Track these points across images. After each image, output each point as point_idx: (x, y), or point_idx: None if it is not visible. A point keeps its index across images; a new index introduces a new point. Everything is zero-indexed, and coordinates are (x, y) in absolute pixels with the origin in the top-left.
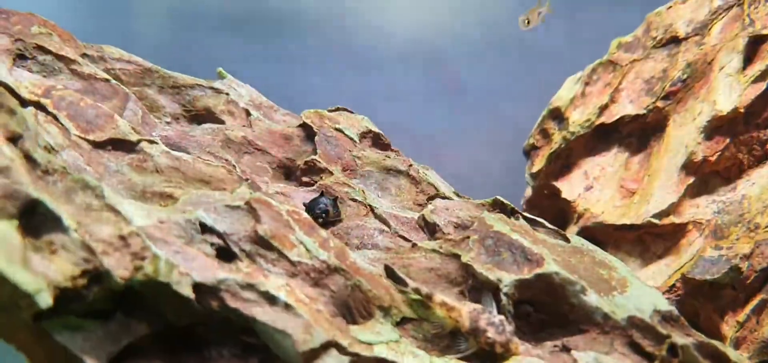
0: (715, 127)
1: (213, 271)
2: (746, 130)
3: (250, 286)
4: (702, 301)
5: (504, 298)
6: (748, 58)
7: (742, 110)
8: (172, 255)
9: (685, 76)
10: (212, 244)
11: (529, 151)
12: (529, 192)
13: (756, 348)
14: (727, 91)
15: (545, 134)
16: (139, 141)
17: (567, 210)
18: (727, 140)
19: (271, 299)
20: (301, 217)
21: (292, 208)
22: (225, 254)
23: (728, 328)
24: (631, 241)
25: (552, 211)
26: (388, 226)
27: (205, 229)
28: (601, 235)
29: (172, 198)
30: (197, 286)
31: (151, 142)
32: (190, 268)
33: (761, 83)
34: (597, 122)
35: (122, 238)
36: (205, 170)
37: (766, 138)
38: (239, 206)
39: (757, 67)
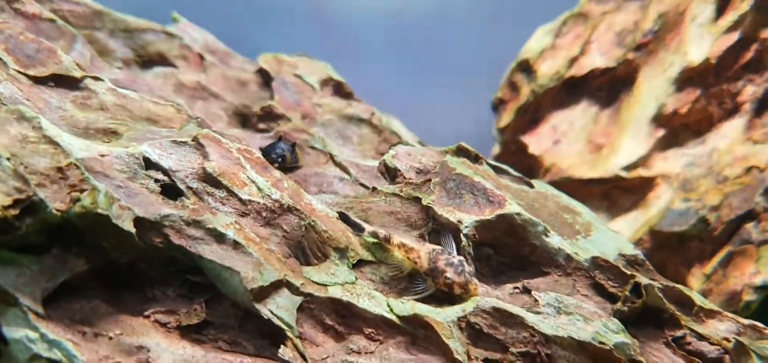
0: (686, 79)
1: (156, 207)
2: (717, 82)
3: (196, 223)
4: (669, 254)
5: (464, 240)
6: (720, 9)
7: (713, 61)
8: (113, 189)
9: (656, 27)
10: (157, 181)
11: (497, 106)
12: (496, 149)
13: (723, 300)
14: (699, 42)
15: (513, 87)
16: (83, 77)
17: (534, 166)
18: (698, 92)
19: (218, 237)
20: (253, 156)
21: (244, 146)
22: (171, 191)
23: (695, 280)
24: (599, 195)
25: (520, 167)
26: (349, 173)
27: (149, 164)
28: (568, 189)
29: (116, 134)
30: (139, 221)
31: (97, 79)
32: (132, 202)
33: (733, 33)
34: (566, 75)
35: (60, 170)
36: (152, 109)
37: (736, 90)
38: (186, 142)
39: (729, 18)
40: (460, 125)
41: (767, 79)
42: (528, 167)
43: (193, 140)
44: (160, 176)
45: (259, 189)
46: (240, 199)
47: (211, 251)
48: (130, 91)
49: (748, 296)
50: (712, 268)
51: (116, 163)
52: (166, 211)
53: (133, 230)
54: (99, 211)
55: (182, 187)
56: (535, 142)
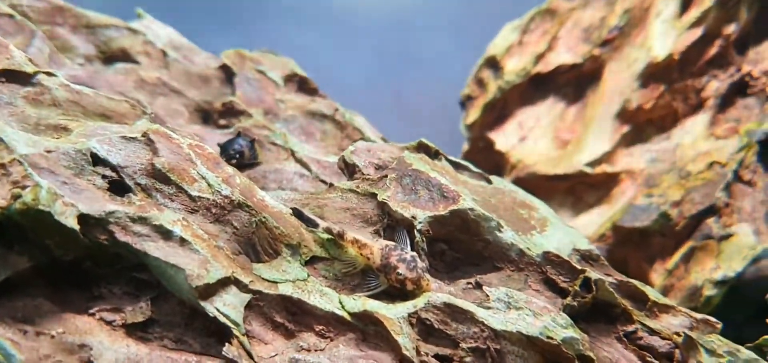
0: (651, 74)
1: (102, 203)
2: (681, 78)
3: (142, 220)
4: (631, 249)
5: (418, 236)
6: (685, 5)
7: (677, 57)
8: (57, 185)
9: (622, 23)
10: (104, 177)
11: (465, 102)
12: (465, 146)
13: (684, 296)
14: (663, 37)
15: (481, 84)
16: (35, 73)
17: (501, 162)
18: (662, 88)
19: (165, 234)
20: (205, 152)
21: (196, 142)
22: (118, 187)
23: (657, 276)
24: (564, 191)
25: (488, 164)
26: (309, 169)
27: (97, 160)
28: (534, 186)
29: (66, 130)
30: (83, 218)
31: (50, 74)
32: (76, 199)
33: (697, 29)
34: (533, 71)
35: (2, 166)
36: (107, 105)
37: (700, 86)
38: (136, 138)
39: (693, 13)
40: (433, 124)
41: (731, 75)
42: (495, 164)
43: (142, 136)
44: (107, 172)
45: (210, 185)
46: (189, 196)
47: (156, 248)
48: (85, 87)
49: (709, 291)
50: (673, 264)
51: (63, 159)
52: (112, 207)
53: (76, 227)
54: (40, 207)
55: (130, 183)
56: (502, 139)
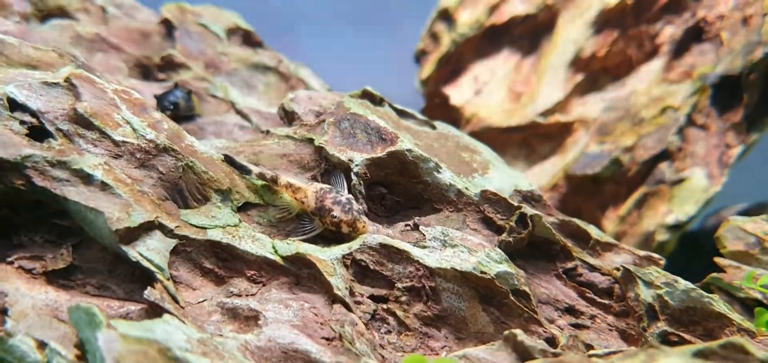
0: (604, 21)
1: (18, 148)
2: (636, 23)
3: (61, 164)
4: (585, 198)
5: (355, 178)
6: None
7: (630, 2)
8: None
9: None
10: (23, 122)
11: (419, 57)
12: (422, 103)
13: (637, 242)
14: None
15: (435, 38)
16: None
17: (457, 117)
18: (616, 34)
19: (85, 178)
20: (131, 97)
21: (122, 87)
22: (38, 133)
23: (609, 223)
24: (517, 143)
25: (444, 120)
26: (250, 121)
27: (15, 106)
28: (488, 139)
29: None
30: None
31: None
32: None
33: None
34: (487, 23)
35: None
36: (33, 54)
37: (655, 32)
38: (58, 83)
39: None
40: (395, 81)
41: (686, 20)
42: (451, 119)
43: (65, 81)
44: (26, 118)
45: (134, 130)
46: (113, 141)
47: (77, 193)
48: (9, 37)
49: (661, 236)
50: (626, 210)
51: None
52: (29, 151)
53: None
54: None
55: (51, 128)
56: (457, 93)
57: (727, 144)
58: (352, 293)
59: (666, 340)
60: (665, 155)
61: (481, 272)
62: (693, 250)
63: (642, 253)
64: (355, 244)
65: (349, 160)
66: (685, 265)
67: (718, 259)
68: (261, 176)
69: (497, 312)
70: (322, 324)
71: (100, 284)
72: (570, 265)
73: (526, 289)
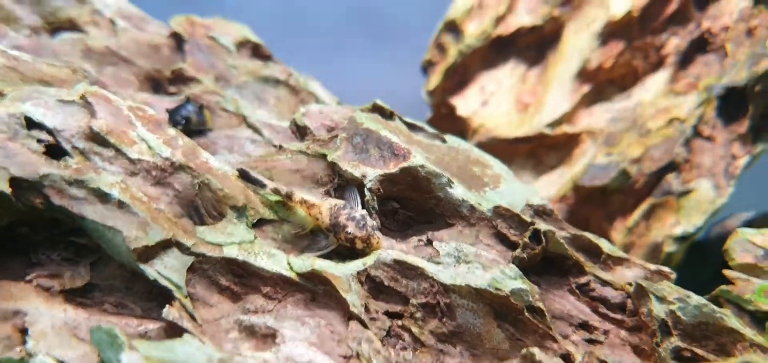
0: (610, 33)
1: (36, 167)
2: (641, 35)
3: (78, 183)
4: (592, 208)
5: (368, 194)
6: None
7: (636, 14)
8: None
9: None
10: (40, 140)
11: (427, 68)
12: (429, 114)
13: (645, 253)
14: None
15: (441, 49)
16: None
17: (464, 128)
18: (622, 46)
19: (102, 196)
20: (146, 114)
21: (137, 104)
22: (55, 151)
23: (617, 234)
24: (525, 154)
25: (450, 130)
26: (262, 135)
27: (32, 124)
28: (495, 150)
29: (1, 95)
30: (16, 182)
31: None
32: (9, 163)
33: None
34: (493, 34)
35: None
36: (46, 70)
37: (661, 43)
38: (74, 101)
39: None
40: (401, 92)
41: (691, 31)
42: (458, 130)
43: (80, 98)
44: (43, 136)
45: (150, 147)
46: (129, 158)
47: (94, 211)
48: (24, 54)
49: (669, 247)
50: (633, 221)
51: None
52: (46, 170)
53: (8, 191)
54: None
55: (67, 146)
56: (464, 104)
57: (733, 155)
58: (367, 310)
59: (679, 355)
60: (672, 166)
61: (496, 289)
62: (700, 259)
63: (653, 267)
64: (369, 260)
65: (363, 175)
66: (692, 275)
67: (727, 272)
68: (276, 191)
69: (512, 328)
70: (338, 341)
71: (118, 302)
72: (583, 280)
73: (541, 305)
